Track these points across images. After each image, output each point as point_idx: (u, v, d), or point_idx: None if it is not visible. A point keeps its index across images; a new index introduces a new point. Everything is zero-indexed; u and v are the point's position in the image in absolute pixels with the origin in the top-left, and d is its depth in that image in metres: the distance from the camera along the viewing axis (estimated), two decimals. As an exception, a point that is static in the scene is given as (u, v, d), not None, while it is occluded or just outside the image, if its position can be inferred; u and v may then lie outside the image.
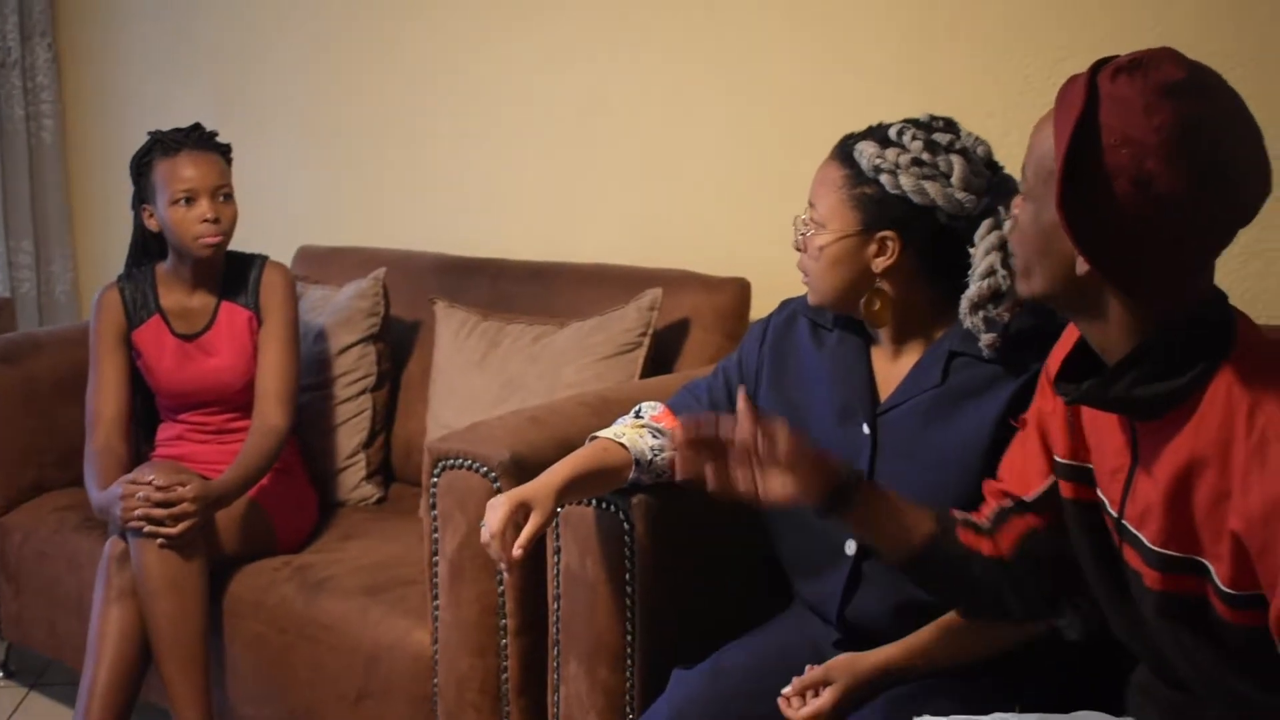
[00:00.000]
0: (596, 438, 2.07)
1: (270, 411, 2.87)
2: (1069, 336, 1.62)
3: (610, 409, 2.40)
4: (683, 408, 2.11)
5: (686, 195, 3.23)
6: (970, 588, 1.76)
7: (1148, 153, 1.35)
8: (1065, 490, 1.67)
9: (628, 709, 2.13)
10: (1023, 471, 1.74)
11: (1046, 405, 1.70)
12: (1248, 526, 1.38)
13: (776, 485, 1.68)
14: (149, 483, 2.56)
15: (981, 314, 1.83)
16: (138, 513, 2.54)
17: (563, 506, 2.10)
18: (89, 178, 4.68)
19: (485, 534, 1.90)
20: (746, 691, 1.95)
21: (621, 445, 2.04)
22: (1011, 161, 1.90)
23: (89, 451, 2.87)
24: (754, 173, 3.09)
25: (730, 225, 3.14)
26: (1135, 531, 1.53)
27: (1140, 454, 1.52)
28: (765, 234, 2.94)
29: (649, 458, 2.05)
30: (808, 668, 1.90)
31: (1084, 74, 1.42)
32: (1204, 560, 1.46)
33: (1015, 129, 2.51)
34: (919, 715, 1.72)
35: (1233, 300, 1.49)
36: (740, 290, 2.94)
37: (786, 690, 1.89)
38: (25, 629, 3.16)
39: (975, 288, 1.83)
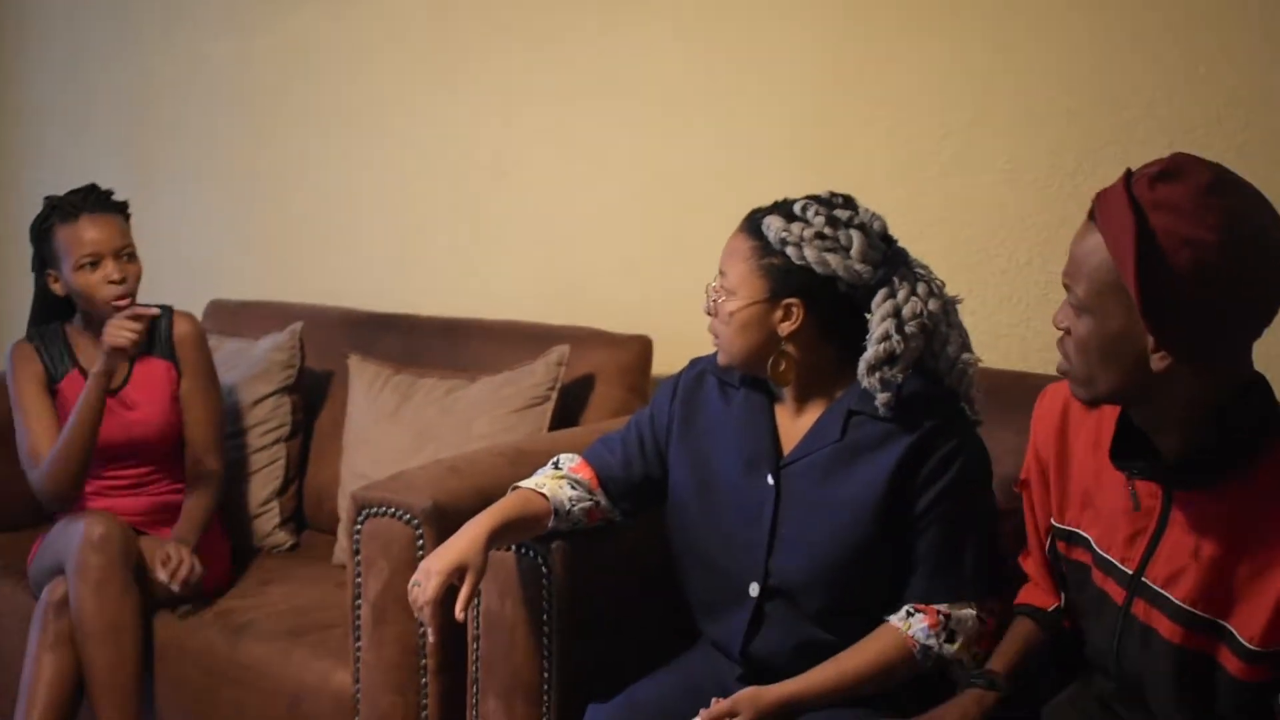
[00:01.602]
0: (518, 488, 2.19)
1: (205, 459, 2.97)
2: (1109, 418, 1.75)
3: (525, 459, 2.51)
4: (598, 459, 2.24)
5: (591, 256, 3.34)
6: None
7: (1207, 249, 1.50)
8: (1062, 549, 1.88)
9: None
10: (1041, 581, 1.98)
11: (1048, 464, 1.89)
12: None
13: None
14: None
15: (878, 375, 1.95)
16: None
17: None
18: None
19: (419, 599, 1.99)
20: None
21: (542, 495, 2.17)
22: (902, 230, 2.07)
23: (38, 479, 2.86)
24: (656, 237, 3.20)
25: (633, 285, 3.25)
26: (1159, 590, 1.68)
27: (1172, 520, 1.67)
28: (666, 294, 3.09)
29: (568, 507, 2.18)
30: (714, 700, 1.98)
31: (1118, 188, 1.56)
32: (1226, 624, 1.62)
33: (914, 200, 2.70)
34: None
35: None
36: (643, 347, 3.06)
37: None
38: None
39: (872, 350, 1.95)
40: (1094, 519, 1.82)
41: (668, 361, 2.99)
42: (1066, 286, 1.65)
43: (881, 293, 1.98)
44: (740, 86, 3.08)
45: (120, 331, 2.73)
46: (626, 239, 3.29)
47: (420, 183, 3.64)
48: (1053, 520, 1.91)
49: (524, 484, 2.21)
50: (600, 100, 3.29)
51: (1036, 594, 2.01)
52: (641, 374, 3.07)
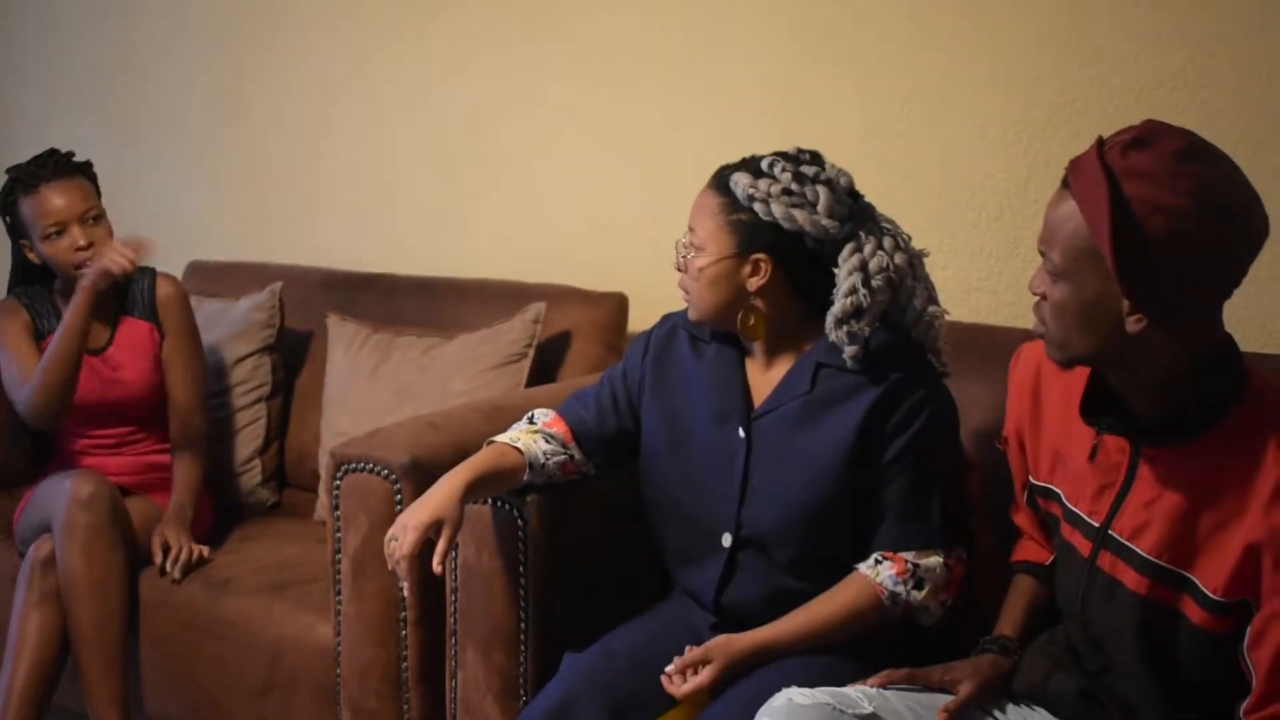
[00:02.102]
0: (493, 442, 2.23)
1: (191, 420, 3.01)
2: (1080, 377, 1.79)
3: (502, 415, 2.55)
4: (572, 414, 2.27)
5: (567, 215, 3.37)
6: None
7: (1180, 214, 1.54)
8: (1040, 503, 1.94)
9: (521, 691, 2.27)
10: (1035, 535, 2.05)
11: (1023, 423, 1.94)
12: (1271, 535, 1.59)
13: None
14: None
15: (845, 328, 1.99)
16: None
17: None
18: None
19: (396, 553, 2.04)
20: (633, 670, 2.07)
21: (517, 449, 2.20)
22: (872, 185, 2.11)
23: (27, 395, 2.85)
24: (629, 196, 3.24)
25: (608, 243, 3.29)
26: (1125, 542, 1.73)
27: (1139, 475, 1.72)
28: (640, 252, 3.12)
29: (542, 461, 2.22)
30: (688, 648, 2.04)
31: (1091, 156, 1.60)
32: (1190, 575, 1.67)
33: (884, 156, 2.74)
34: (787, 688, 1.86)
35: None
36: (618, 304, 3.10)
37: (669, 668, 2.02)
38: None
39: (840, 305, 1.99)
40: (1064, 475, 1.86)
41: (643, 318, 2.98)
42: (1042, 253, 1.68)
43: (848, 247, 2.02)
44: (711, 47, 3.10)
45: (115, 256, 2.76)
46: (601, 198, 3.31)
47: (397, 143, 3.66)
48: (1030, 477, 1.96)
49: (499, 438, 2.24)
50: (574, 61, 3.31)
51: (1032, 549, 2.05)
52: (617, 330, 3.11)
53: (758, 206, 2.03)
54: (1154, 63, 2.58)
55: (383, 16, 3.62)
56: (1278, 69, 2.47)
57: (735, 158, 2.15)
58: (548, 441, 2.24)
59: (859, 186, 2.12)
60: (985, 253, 2.80)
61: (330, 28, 3.73)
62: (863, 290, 1.98)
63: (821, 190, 2.02)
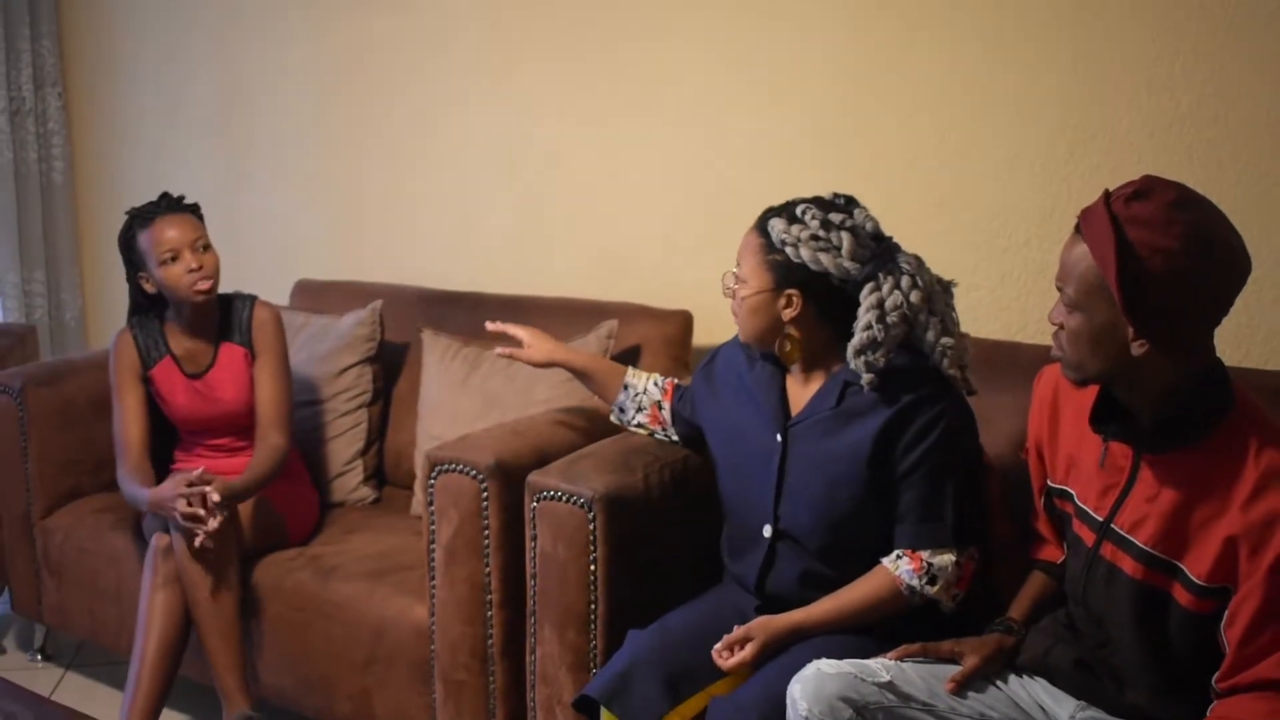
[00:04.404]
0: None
1: (271, 434, 3.18)
2: (1091, 392, 2.01)
3: (577, 420, 2.81)
4: (678, 385, 2.67)
5: (637, 240, 3.51)
6: None
7: (1175, 254, 1.78)
8: (1056, 504, 2.16)
9: (591, 664, 2.47)
10: (1050, 537, 2.25)
11: (1041, 433, 2.17)
12: (1247, 530, 1.80)
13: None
14: (196, 490, 2.86)
15: (862, 359, 2.20)
16: (186, 512, 2.85)
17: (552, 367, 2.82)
18: (95, 214, 4.87)
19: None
20: (688, 646, 2.29)
21: (624, 373, 2.66)
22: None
23: (123, 474, 3.12)
24: (693, 222, 3.38)
25: (674, 265, 3.43)
26: (1125, 534, 1.96)
27: (1140, 477, 1.95)
28: (703, 274, 3.17)
29: (640, 389, 2.65)
30: (736, 627, 2.26)
31: (1099, 206, 1.83)
32: (1180, 564, 1.89)
33: (922, 187, 2.93)
34: (818, 659, 2.09)
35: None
36: (684, 321, 3.26)
37: (718, 646, 2.25)
38: (65, 616, 3.45)
39: (857, 338, 2.20)
40: (1077, 477, 2.09)
41: (707, 333, 3.20)
42: (1059, 289, 1.91)
43: (867, 287, 2.22)
44: (764, 90, 3.24)
45: (181, 508, 2.86)
46: (667, 224, 3.47)
47: (483, 174, 3.78)
48: (1048, 481, 2.18)
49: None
50: (642, 100, 3.45)
51: (1048, 550, 2.26)
52: (683, 345, 3.25)
53: (789, 249, 2.24)
54: (1164, 102, 2.73)
55: (468, 62, 3.76)
56: (1276, 108, 2.63)
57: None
58: (655, 385, 2.64)
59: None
60: (1014, 275, 2.95)
61: (421, 72, 3.87)
62: (877, 327, 2.19)
63: (845, 236, 2.23)
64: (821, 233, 2.24)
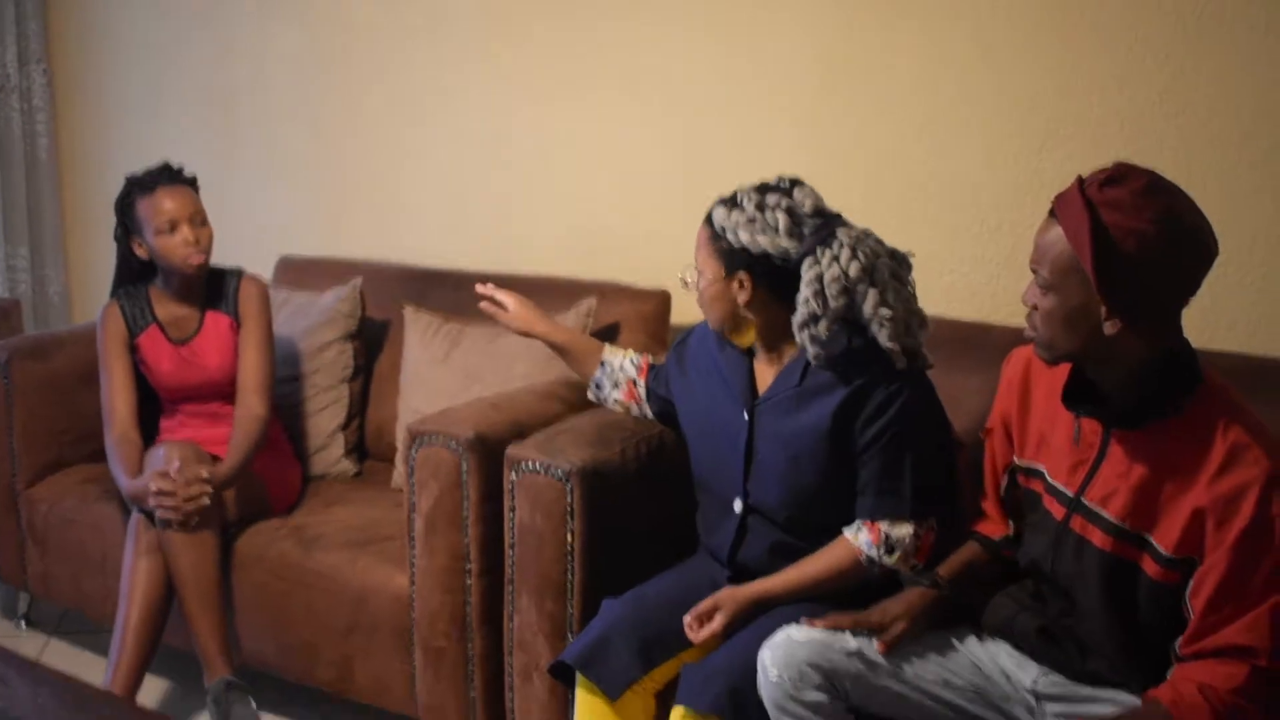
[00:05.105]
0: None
1: (252, 403, 3.21)
2: (1063, 372, 2.07)
3: (555, 395, 2.86)
4: (654, 363, 2.70)
5: (616, 219, 3.54)
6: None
7: (1147, 236, 1.84)
8: (1021, 481, 2.21)
9: (568, 631, 2.53)
10: (994, 514, 2.31)
11: (1010, 412, 2.21)
12: (1214, 502, 1.85)
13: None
14: (173, 486, 2.90)
15: (806, 332, 2.24)
16: (167, 514, 2.91)
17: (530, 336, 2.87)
18: (80, 190, 4.86)
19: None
20: (662, 614, 2.35)
21: (602, 349, 2.69)
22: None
23: (109, 442, 3.16)
24: (672, 202, 3.40)
25: (653, 245, 3.46)
26: (1095, 508, 2.02)
27: (1110, 453, 2.01)
28: (681, 254, 3.18)
29: (616, 364, 2.68)
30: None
31: (1074, 191, 1.88)
32: (1148, 536, 1.95)
33: (899, 174, 2.98)
34: (784, 627, 2.15)
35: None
36: (662, 300, 3.29)
37: (687, 617, 2.30)
38: (50, 585, 3.47)
39: (799, 312, 2.25)
40: (1047, 454, 2.15)
41: (684, 312, 3.21)
42: (1034, 270, 1.96)
43: (807, 261, 2.26)
44: (745, 79, 3.26)
45: (165, 502, 2.93)
46: (648, 206, 3.49)
47: (467, 156, 3.80)
48: (1015, 458, 2.23)
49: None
50: (624, 82, 3.47)
51: (988, 526, 2.32)
52: (661, 323, 3.29)
53: (729, 235, 2.30)
54: (1135, 94, 2.78)
55: (453, 42, 3.77)
56: (1244, 98, 2.68)
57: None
58: (631, 362, 2.67)
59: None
60: (986, 259, 3.00)
61: (406, 51, 3.88)
62: (814, 301, 2.23)
63: (780, 216, 2.28)
64: (757, 215, 2.29)
